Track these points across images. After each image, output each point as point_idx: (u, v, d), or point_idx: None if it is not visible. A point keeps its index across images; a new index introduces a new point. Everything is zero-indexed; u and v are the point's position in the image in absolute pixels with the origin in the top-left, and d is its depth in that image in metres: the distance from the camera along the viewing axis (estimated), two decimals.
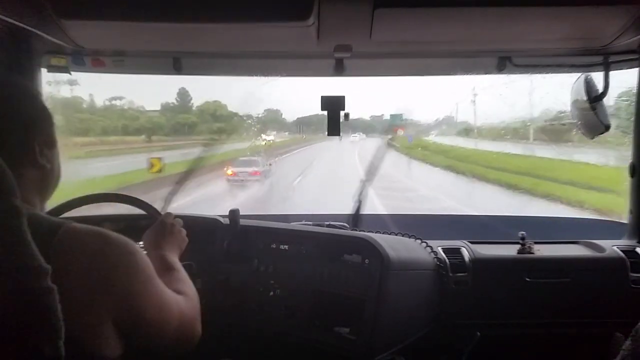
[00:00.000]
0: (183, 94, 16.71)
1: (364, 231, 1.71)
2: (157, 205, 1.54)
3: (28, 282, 0.65)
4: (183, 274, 1.09)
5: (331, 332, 1.45)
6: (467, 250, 1.72)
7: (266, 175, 8.59)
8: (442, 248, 1.73)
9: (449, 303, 1.65)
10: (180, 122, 16.82)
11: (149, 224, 1.37)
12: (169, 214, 1.30)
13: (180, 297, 0.94)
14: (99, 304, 0.77)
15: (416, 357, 1.59)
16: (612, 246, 1.73)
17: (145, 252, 1.19)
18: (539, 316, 1.67)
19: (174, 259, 1.14)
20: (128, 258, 0.82)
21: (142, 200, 1.46)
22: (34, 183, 0.87)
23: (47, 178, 0.91)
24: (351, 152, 16.35)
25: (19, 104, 0.86)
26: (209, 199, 8.03)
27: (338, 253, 1.54)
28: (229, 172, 8.24)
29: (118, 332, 0.80)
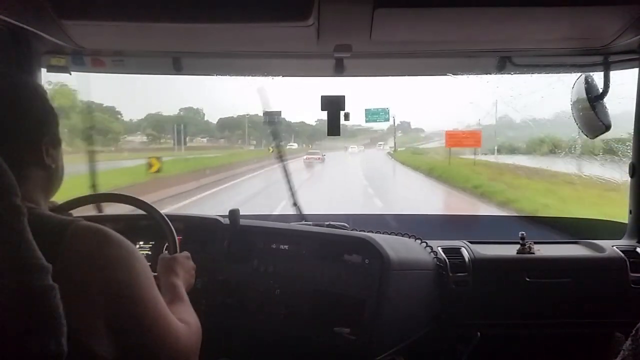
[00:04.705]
0: None
1: (364, 231, 1.71)
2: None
3: (30, 280, 0.65)
4: (189, 306, 1.08)
5: (331, 332, 1.44)
6: (467, 250, 1.72)
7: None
8: (442, 248, 1.73)
9: (449, 303, 1.65)
10: None
11: (149, 224, 1.37)
12: (187, 253, 1.30)
13: (181, 325, 0.92)
14: (92, 301, 0.76)
15: (416, 357, 1.59)
16: (612, 246, 1.72)
17: (157, 274, 1.19)
18: (539, 316, 1.67)
19: (183, 290, 1.13)
20: (126, 258, 0.82)
21: (143, 201, 1.46)
22: (39, 183, 0.88)
23: (52, 178, 0.91)
24: None
25: (28, 105, 0.85)
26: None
27: (338, 253, 1.54)
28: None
29: (111, 333, 0.79)
